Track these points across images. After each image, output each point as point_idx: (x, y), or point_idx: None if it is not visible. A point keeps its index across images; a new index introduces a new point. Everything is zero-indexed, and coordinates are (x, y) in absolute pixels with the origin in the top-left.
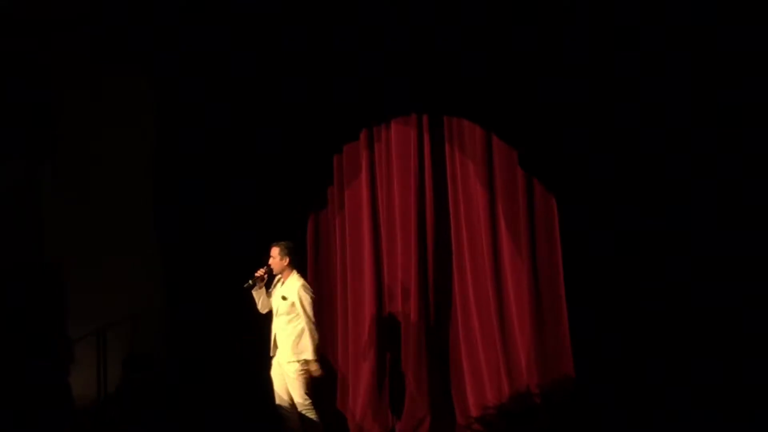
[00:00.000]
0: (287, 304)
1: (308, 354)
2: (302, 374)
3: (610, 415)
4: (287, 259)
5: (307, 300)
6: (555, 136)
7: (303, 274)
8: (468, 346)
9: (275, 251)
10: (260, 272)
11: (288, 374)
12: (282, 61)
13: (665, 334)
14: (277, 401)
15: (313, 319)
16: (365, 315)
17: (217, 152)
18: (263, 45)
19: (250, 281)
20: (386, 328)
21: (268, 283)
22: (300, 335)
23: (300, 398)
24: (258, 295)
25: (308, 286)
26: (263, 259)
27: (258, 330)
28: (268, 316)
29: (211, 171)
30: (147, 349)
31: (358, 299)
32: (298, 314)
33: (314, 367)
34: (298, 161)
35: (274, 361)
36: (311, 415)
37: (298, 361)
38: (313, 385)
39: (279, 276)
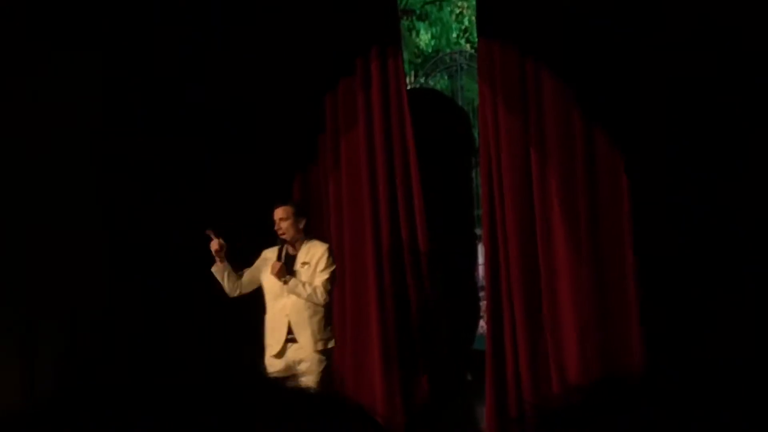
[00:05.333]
0: (309, 272)
1: (333, 341)
2: (326, 370)
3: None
4: (304, 221)
5: (332, 264)
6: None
7: None
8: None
9: (287, 212)
10: (214, 245)
11: (310, 372)
12: None
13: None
14: None
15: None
16: (369, 298)
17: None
18: None
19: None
20: (394, 312)
21: (238, 256)
22: (327, 316)
23: None
24: (219, 271)
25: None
26: (235, 233)
27: (231, 318)
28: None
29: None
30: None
31: (360, 278)
32: None
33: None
34: (280, 103)
35: (277, 363)
36: None
37: (327, 351)
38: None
39: (283, 246)
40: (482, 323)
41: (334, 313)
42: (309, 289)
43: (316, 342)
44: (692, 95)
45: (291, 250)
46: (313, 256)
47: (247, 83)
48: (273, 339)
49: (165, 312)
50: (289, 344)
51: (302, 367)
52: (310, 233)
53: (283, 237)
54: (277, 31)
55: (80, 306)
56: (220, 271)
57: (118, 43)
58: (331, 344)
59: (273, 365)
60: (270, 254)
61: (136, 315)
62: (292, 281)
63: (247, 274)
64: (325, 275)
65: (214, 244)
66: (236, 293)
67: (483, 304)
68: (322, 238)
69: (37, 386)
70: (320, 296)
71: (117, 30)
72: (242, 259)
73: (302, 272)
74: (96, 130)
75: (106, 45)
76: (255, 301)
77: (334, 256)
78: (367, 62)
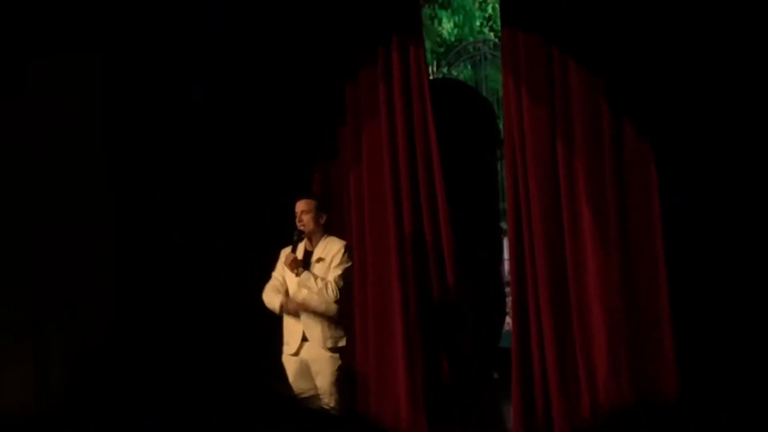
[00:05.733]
0: (323, 268)
1: (345, 339)
2: (341, 370)
3: None
4: (325, 217)
5: (347, 261)
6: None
7: None
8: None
9: (309, 204)
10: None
11: (324, 372)
12: None
13: None
14: None
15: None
16: (392, 294)
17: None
18: None
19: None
20: (417, 308)
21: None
22: (339, 314)
23: (335, 405)
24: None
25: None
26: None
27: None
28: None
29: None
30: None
31: (382, 274)
32: None
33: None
34: (298, 93)
35: (293, 362)
36: None
37: (338, 349)
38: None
39: (300, 239)
40: (508, 320)
41: (356, 309)
42: (321, 284)
43: (326, 340)
44: (725, 85)
45: (308, 246)
46: (329, 253)
47: (264, 75)
48: (290, 337)
49: (165, 312)
50: (304, 342)
51: (314, 367)
52: (329, 230)
53: (303, 229)
54: (296, 20)
55: (85, 306)
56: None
57: (118, 43)
58: (342, 342)
59: (289, 363)
60: (289, 251)
61: (137, 315)
62: (305, 274)
63: (280, 280)
64: (338, 271)
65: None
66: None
67: (509, 300)
68: (342, 234)
69: (49, 386)
70: (331, 292)
71: (117, 30)
72: (258, 257)
73: (317, 268)
74: (96, 130)
75: (106, 45)
76: (255, 300)
77: (351, 254)
78: (388, 52)
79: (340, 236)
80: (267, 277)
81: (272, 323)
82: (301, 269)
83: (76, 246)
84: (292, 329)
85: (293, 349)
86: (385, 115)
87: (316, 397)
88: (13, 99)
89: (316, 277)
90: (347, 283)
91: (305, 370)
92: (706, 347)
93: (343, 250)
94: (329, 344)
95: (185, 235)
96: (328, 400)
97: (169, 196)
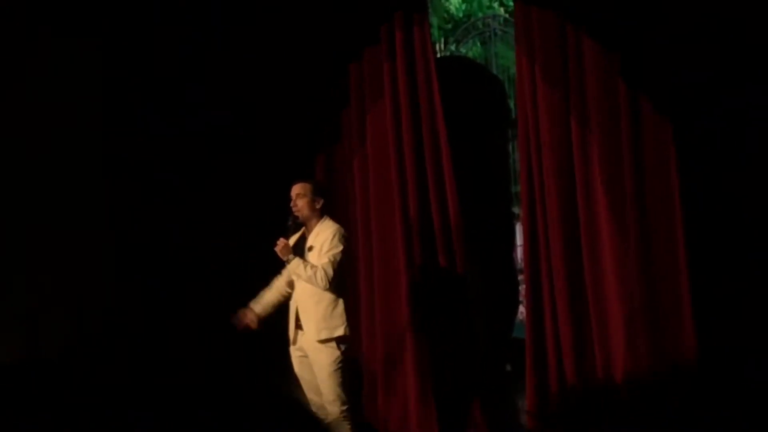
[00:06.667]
0: (315, 255)
1: (342, 328)
2: (338, 362)
3: None
4: (321, 201)
5: (336, 246)
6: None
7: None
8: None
9: (304, 188)
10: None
11: (319, 363)
12: None
13: None
14: (314, 410)
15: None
16: (399, 282)
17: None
18: None
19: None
20: (426, 297)
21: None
22: (334, 302)
23: (335, 398)
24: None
25: (346, 235)
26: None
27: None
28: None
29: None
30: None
31: (389, 262)
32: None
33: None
34: (300, 76)
35: (294, 351)
36: (345, 428)
37: (333, 340)
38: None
39: (299, 231)
40: (521, 309)
41: (363, 298)
42: (310, 271)
43: (319, 330)
44: (747, 63)
45: (306, 232)
46: (320, 239)
47: (266, 59)
48: (289, 324)
49: (165, 312)
50: (300, 332)
51: (311, 356)
52: (326, 216)
53: (297, 215)
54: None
55: (83, 304)
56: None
57: (119, 43)
58: (339, 332)
59: (292, 353)
60: (292, 239)
61: (136, 315)
62: (294, 261)
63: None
64: (328, 257)
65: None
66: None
67: (522, 288)
68: (347, 222)
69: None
70: (319, 279)
71: (117, 30)
72: (258, 257)
73: (309, 256)
74: (96, 129)
75: (106, 45)
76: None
77: (343, 238)
78: (391, 30)
79: (344, 224)
80: (267, 277)
81: (272, 323)
82: (291, 256)
83: (76, 245)
84: (289, 317)
85: (290, 338)
86: (390, 96)
87: (317, 387)
88: (13, 98)
89: (306, 264)
90: (341, 268)
91: (305, 359)
92: (727, 334)
93: (333, 235)
94: (323, 335)
95: (185, 235)
96: (326, 393)
97: (169, 196)
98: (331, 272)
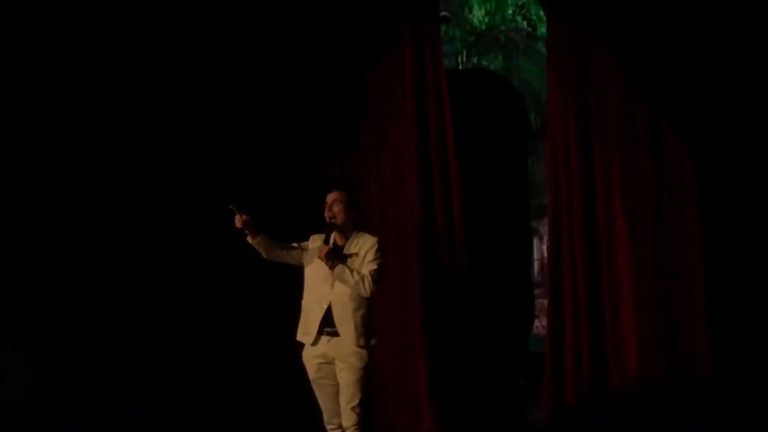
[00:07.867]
0: (357, 263)
1: (374, 335)
2: (369, 367)
3: None
4: (355, 212)
5: (382, 256)
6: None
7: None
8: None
9: (341, 196)
10: (238, 223)
11: (351, 368)
12: None
13: None
14: (327, 419)
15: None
16: (413, 296)
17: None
18: None
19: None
20: (440, 310)
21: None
22: (370, 310)
23: (357, 404)
24: (255, 244)
25: None
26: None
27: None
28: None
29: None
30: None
31: (403, 275)
32: None
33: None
34: (299, 73)
35: (312, 358)
36: None
37: (368, 347)
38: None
39: (332, 232)
40: (537, 323)
41: (375, 311)
42: (357, 277)
43: (358, 337)
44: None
45: (339, 240)
46: (363, 247)
47: (276, 68)
48: (308, 328)
49: (165, 312)
50: (327, 337)
51: (341, 363)
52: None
53: (333, 221)
54: (308, 8)
55: (85, 304)
56: (255, 243)
57: (118, 43)
58: (373, 341)
59: (309, 354)
60: (318, 239)
61: (136, 314)
62: (339, 267)
63: (295, 249)
64: (374, 266)
65: (238, 221)
66: (271, 256)
67: (538, 302)
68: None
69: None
70: (367, 286)
71: (117, 30)
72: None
73: (349, 262)
74: (96, 129)
75: (105, 45)
76: (255, 300)
77: (384, 250)
78: (404, 42)
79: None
80: (267, 277)
81: (272, 323)
82: (336, 261)
83: (75, 243)
84: (308, 320)
85: (310, 340)
86: (404, 108)
87: (335, 394)
88: (12, 98)
89: (351, 271)
90: (381, 278)
91: (327, 366)
92: (742, 345)
93: (377, 245)
94: (361, 342)
95: (185, 235)
96: (351, 398)
97: (169, 196)
98: (377, 279)
